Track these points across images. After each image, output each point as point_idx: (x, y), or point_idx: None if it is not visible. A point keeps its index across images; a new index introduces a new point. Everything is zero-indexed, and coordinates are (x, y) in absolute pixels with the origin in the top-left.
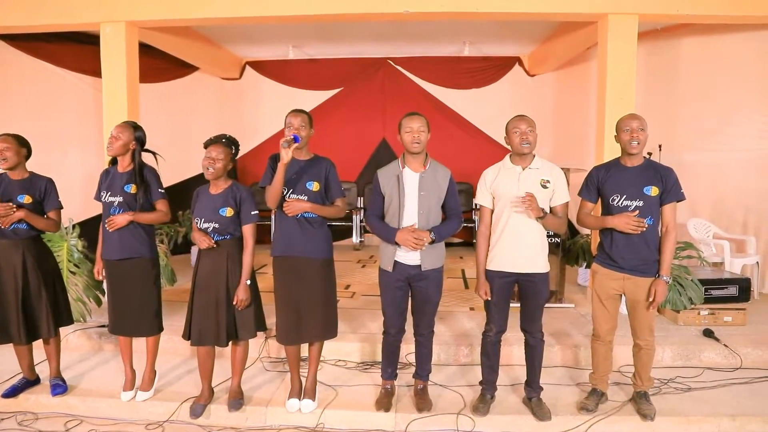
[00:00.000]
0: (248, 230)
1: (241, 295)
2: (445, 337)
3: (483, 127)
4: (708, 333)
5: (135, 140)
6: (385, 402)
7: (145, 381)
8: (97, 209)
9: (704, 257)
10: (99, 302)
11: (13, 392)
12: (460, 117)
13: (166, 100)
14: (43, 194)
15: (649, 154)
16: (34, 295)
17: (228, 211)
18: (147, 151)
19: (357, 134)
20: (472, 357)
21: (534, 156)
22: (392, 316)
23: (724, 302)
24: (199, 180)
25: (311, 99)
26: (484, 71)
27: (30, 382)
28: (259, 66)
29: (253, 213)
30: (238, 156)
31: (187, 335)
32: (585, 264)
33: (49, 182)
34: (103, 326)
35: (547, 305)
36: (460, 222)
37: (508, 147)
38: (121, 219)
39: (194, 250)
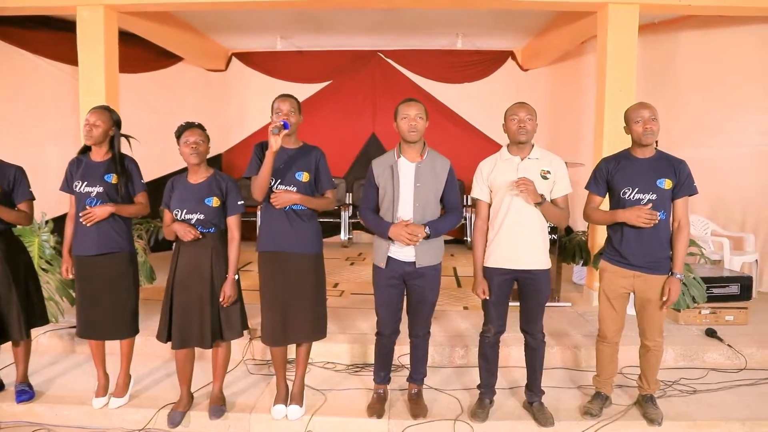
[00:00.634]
0: (234, 221)
1: (229, 292)
2: (438, 338)
3: (476, 123)
4: (711, 333)
5: (113, 125)
6: (377, 408)
7: (120, 386)
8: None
9: (706, 255)
10: (73, 301)
11: None
12: (452, 112)
13: (148, 92)
14: (13, 184)
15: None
16: (3, 293)
17: (214, 201)
18: (123, 135)
19: (346, 129)
20: (468, 359)
21: (533, 146)
22: (386, 316)
23: (726, 301)
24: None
25: (299, 92)
26: (477, 65)
27: None
28: (246, 57)
29: (239, 203)
30: (224, 150)
31: (165, 337)
32: (582, 262)
33: (19, 171)
34: (74, 327)
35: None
36: (459, 217)
37: (499, 143)
38: (102, 211)
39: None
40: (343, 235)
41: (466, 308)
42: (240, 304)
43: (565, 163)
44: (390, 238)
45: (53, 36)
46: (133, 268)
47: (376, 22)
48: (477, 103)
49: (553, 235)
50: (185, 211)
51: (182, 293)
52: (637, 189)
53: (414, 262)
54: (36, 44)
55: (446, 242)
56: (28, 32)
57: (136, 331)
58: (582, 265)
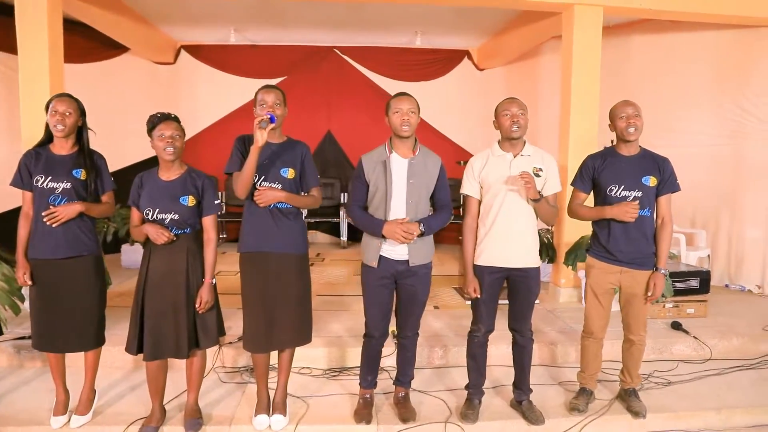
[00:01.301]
0: (211, 222)
1: (206, 297)
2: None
3: (432, 122)
4: (676, 326)
5: (81, 115)
6: (364, 413)
7: (83, 402)
8: (9, 203)
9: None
10: (17, 310)
11: None
12: None
13: (91, 84)
14: None
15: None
16: None
17: (190, 200)
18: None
19: (300, 126)
20: (447, 359)
21: (525, 142)
22: (376, 318)
23: (687, 294)
24: (129, 172)
25: (252, 87)
26: (433, 64)
27: None
28: (196, 50)
29: (216, 202)
30: None
31: (135, 348)
32: (547, 259)
33: None
34: (23, 338)
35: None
36: (450, 214)
37: (456, 142)
38: (70, 210)
39: (126, 248)
40: (343, 237)
41: (436, 307)
42: (216, 309)
43: None
44: (383, 236)
45: None
46: (100, 273)
47: (334, 17)
48: (433, 101)
49: None
50: (157, 210)
51: (155, 300)
52: (623, 186)
53: (407, 261)
54: None
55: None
56: None
57: (103, 341)
58: (548, 263)
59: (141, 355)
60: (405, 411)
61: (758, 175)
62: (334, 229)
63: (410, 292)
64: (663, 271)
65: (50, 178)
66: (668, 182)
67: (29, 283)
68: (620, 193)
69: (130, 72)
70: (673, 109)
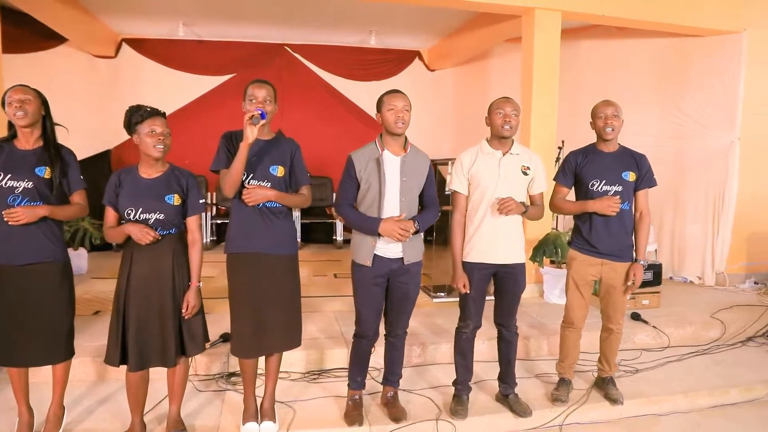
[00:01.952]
0: (196, 222)
1: (193, 301)
2: None
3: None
4: (636, 316)
5: (42, 105)
6: (355, 415)
7: (51, 421)
8: None
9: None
10: None
11: None
12: (360, 110)
13: (25, 76)
14: None
15: (561, 145)
16: None
17: (175, 199)
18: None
19: None
20: (425, 357)
21: (513, 141)
22: (369, 317)
23: (643, 286)
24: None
25: (199, 85)
26: (385, 64)
27: None
28: (139, 44)
29: (201, 201)
30: (113, 146)
31: (118, 359)
32: None
33: None
34: None
35: None
36: (438, 212)
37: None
38: (32, 213)
39: (77, 253)
40: (339, 237)
41: None
42: (202, 314)
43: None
44: (378, 235)
45: None
46: (68, 281)
47: (287, 13)
48: None
49: None
50: (141, 210)
51: (139, 305)
52: (604, 181)
53: (401, 259)
54: None
55: (346, 241)
56: None
57: (73, 353)
58: None
59: (104, 365)
60: (396, 411)
61: (697, 174)
62: None
63: (403, 290)
64: (642, 262)
65: (10, 176)
66: (646, 178)
67: None
68: (601, 188)
69: (68, 65)
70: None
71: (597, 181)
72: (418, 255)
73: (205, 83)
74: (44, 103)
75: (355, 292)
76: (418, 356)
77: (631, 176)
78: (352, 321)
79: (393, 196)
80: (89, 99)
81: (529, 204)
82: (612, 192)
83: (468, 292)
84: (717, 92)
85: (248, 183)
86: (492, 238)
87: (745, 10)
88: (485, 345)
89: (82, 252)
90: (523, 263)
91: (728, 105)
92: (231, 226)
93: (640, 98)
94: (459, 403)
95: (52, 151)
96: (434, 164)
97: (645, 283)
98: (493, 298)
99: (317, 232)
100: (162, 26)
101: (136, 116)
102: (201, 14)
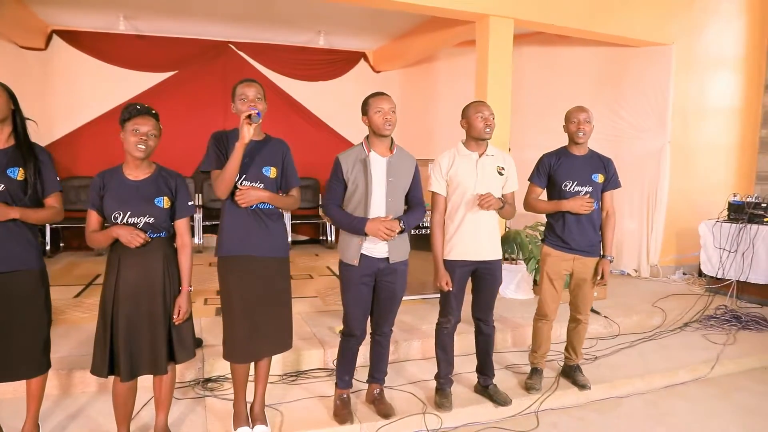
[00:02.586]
0: (185, 225)
1: (185, 306)
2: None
3: (329, 121)
4: (593, 310)
5: (10, 99)
6: (345, 413)
7: None
8: None
9: None
10: None
11: None
12: (306, 110)
13: None
14: None
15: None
16: None
17: (165, 202)
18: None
19: (193, 125)
20: (398, 354)
21: (487, 143)
22: (358, 316)
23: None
24: None
25: (139, 81)
26: (331, 64)
27: None
28: (71, 37)
29: (190, 204)
30: (46, 144)
31: (106, 370)
32: None
33: None
34: None
35: (431, 295)
36: (423, 212)
37: (352, 141)
38: (1, 213)
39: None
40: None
41: None
42: (191, 319)
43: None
44: (364, 234)
45: None
46: (44, 289)
47: (235, 10)
48: (330, 101)
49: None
50: (129, 213)
51: (129, 312)
52: (576, 182)
53: (387, 258)
54: None
55: (304, 242)
56: None
57: (49, 365)
58: None
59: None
60: (384, 407)
61: (633, 174)
62: None
63: (390, 289)
64: (609, 257)
65: None
66: (612, 180)
67: None
68: (573, 189)
69: None
70: (561, 116)
71: (570, 182)
72: (404, 254)
73: (144, 80)
74: (11, 97)
75: (344, 292)
76: (392, 353)
77: (600, 178)
78: (321, 322)
79: (379, 196)
80: (18, 94)
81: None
82: (583, 192)
83: (451, 289)
84: (650, 99)
85: (240, 184)
86: (472, 236)
87: (673, 25)
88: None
89: None
90: (500, 259)
91: (659, 111)
92: (223, 228)
93: (580, 103)
94: (443, 396)
95: (26, 149)
96: None
97: None
98: None
99: None
100: (100, 19)
101: (124, 113)
102: (143, 7)
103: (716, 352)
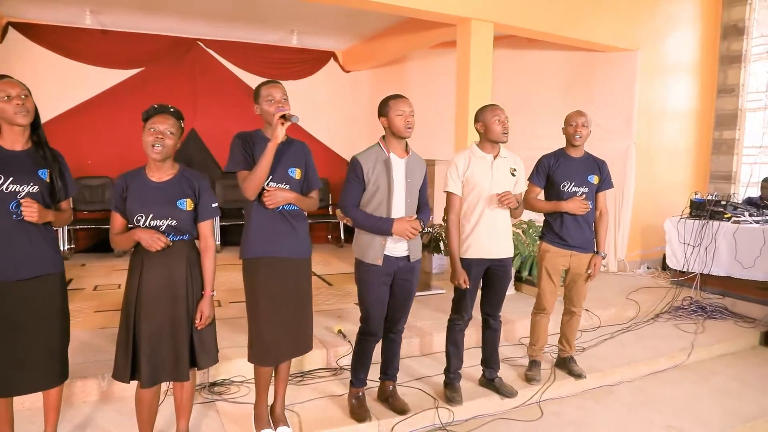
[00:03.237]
0: (209, 228)
1: (207, 311)
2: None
3: (299, 121)
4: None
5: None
6: (362, 411)
7: None
8: None
9: None
10: None
11: None
12: None
13: None
14: None
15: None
16: None
17: (188, 204)
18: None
19: None
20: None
21: (500, 145)
22: (378, 316)
23: None
24: None
25: (103, 78)
26: (301, 64)
27: None
28: (29, 30)
29: (214, 206)
30: None
31: (129, 375)
32: (442, 252)
33: None
34: None
35: (420, 293)
36: (429, 212)
37: (321, 141)
38: (43, 214)
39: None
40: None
41: (357, 304)
42: (214, 324)
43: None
44: (390, 235)
45: None
46: (64, 294)
47: (206, 7)
48: (300, 101)
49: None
50: (152, 216)
51: (152, 317)
52: (573, 183)
53: (407, 257)
54: None
55: None
56: None
57: (68, 375)
58: (444, 255)
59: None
60: (400, 403)
61: None
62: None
63: (407, 287)
64: (602, 254)
65: (12, 179)
66: (606, 181)
67: None
68: (571, 189)
69: None
70: (534, 117)
71: (568, 183)
72: (420, 252)
73: (109, 77)
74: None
75: (363, 292)
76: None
77: (595, 179)
78: (317, 322)
79: (399, 196)
80: None
81: None
82: (580, 192)
83: (468, 287)
84: (616, 101)
85: (267, 185)
86: (488, 235)
87: (638, 31)
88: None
89: None
90: (512, 257)
91: (625, 113)
92: (249, 230)
93: (550, 104)
94: (453, 390)
95: (47, 152)
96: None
97: None
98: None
99: (235, 235)
100: (65, 12)
101: (144, 114)
102: (111, 3)
103: (689, 340)
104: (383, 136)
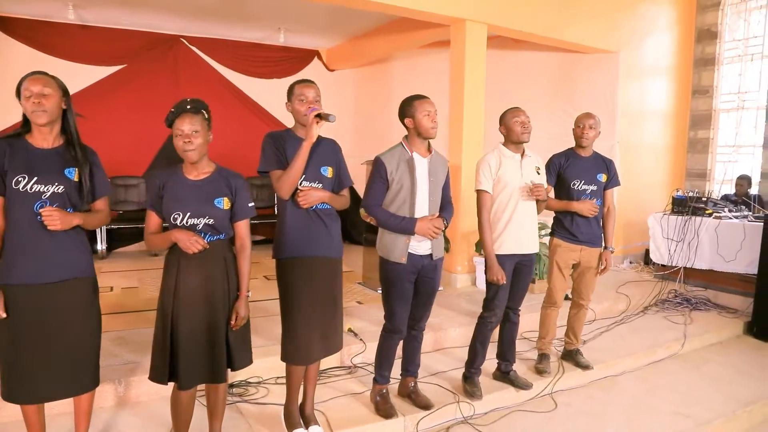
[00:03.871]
0: (245, 227)
1: (243, 312)
2: (369, 332)
3: (284, 120)
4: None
5: (63, 95)
6: (387, 408)
7: None
8: None
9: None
10: None
11: None
12: (260, 107)
13: None
14: None
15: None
16: None
17: (225, 203)
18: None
19: (143, 122)
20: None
21: (524, 145)
22: (402, 313)
23: None
24: None
25: (84, 75)
26: (285, 62)
27: None
28: (7, 24)
29: (250, 205)
30: None
31: (167, 376)
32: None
33: None
34: None
35: None
36: (452, 209)
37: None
38: (67, 220)
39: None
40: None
41: (360, 303)
42: (248, 325)
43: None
44: (413, 234)
45: None
46: (98, 298)
47: (195, 3)
48: (283, 99)
49: None
50: (189, 214)
51: (189, 318)
52: (583, 181)
53: (430, 255)
54: None
55: (259, 242)
56: None
57: (99, 381)
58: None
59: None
60: (423, 398)
61: None
62: None
63: (430, 285)
64: (611, 248)
65: (36, 179)
66: (613, 179)
67: (3, 315)
68: (581, 187)
69: None
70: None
71: (578, 181)
72: (442, 250)
73: (90, 74)
74: (65, 94)
75: (389, 291)
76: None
77: (603, 177)
78: None
79: (423, 195)
80: None
81: None
82: (589, 190)
83: (504, 282)
84: (599, 102)
85: (300, 184)
86: (521, 231)
87: (620, 34)
88: (466, 331)
89: None
90: (538, 251)
91: (608, 113)
92: (283, 229)
93: (536, 103)
94: (474, 384)
95: (78, 150)
96: None
97: None
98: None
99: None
100: (46, 7)
101: (170, 114)
102: None
103: (681, 331)
104: (406, 136)
